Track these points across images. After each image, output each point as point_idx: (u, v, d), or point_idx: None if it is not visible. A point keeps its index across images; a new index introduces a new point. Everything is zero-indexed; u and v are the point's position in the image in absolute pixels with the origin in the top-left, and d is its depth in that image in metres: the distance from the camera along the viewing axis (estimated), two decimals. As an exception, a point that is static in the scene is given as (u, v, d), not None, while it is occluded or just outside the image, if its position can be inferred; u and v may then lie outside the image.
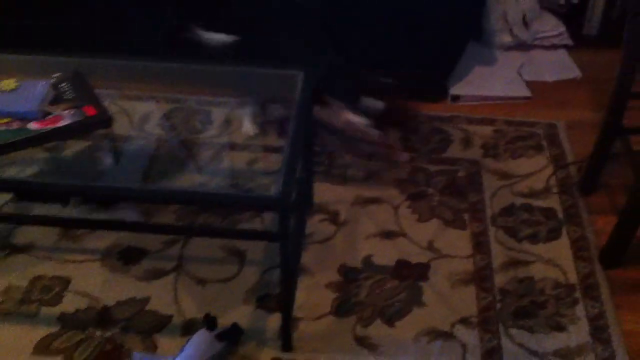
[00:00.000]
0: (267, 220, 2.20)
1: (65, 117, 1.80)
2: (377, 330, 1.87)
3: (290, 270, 1.88)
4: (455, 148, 2.50)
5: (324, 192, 2.29)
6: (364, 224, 2.19)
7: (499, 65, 2.91)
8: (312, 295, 1.97)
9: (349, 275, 2.03)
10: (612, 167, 2.29)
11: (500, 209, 2.24)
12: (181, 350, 1.76)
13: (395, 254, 2.09)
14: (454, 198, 2.28)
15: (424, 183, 2.34)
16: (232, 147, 2.49)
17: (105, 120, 1.83)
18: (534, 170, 2.40)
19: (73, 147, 2.29)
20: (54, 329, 1.86)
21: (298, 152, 1.82)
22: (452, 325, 1.88)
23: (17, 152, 1.74)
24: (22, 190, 1.73)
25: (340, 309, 1.93)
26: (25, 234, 2.13)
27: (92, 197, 1.82)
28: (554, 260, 2.06)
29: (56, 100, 1.86)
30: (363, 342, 1.84)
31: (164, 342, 1.84)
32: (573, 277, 2.01)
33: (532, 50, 2.97)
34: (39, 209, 2.18)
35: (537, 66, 2.90)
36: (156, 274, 2.02)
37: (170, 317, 1.90)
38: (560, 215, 2.21)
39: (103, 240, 2.11)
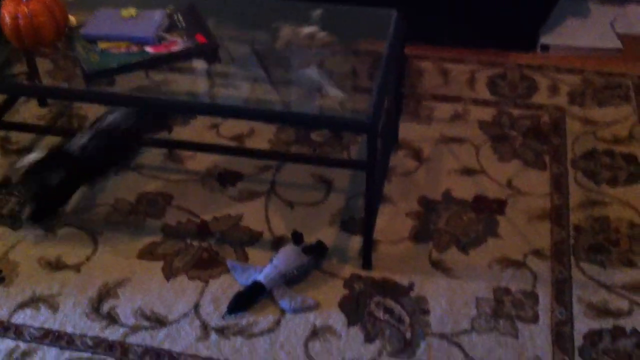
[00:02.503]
0: (353, 153, 2.33)
1: (178, 43, 1.98)
2: (452, 256, 1.98)
3: (374, 196, 2.00)
4: (542, 95, 2.55)
5: (409, 130, 2.40)
6: (445, 161, 2.29)
7: (591, 17, 2.91)
8: (393, 221, 2.09)
9: (428, 206, 2.14)
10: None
11: (582, 153, 2.29)
12: (270, 260, 1.93)
13: (475, 189, 2.19)
14: (536, 141, 2.34)
15: (507, 126, 2.41)
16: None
17: (213, 48, 2.00)
18: (619, 118, 2.42)
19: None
20: (157, 238, 2.07)
21: (389, 83, 1.93)
22: (525, 256, 1.97)
23: (134, 72, 1.94)
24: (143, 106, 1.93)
25: (418, 235, 2.05)
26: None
27: (202, 112, 1.98)
28: (631, 203, 2.10)
29: (171, 28, 2.04)
30: (438, 265, 1.96)
31: (255, 253, 2.01)
32: (649, 219, 2.05)
33: (626, 5, 2.95)
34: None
35: (630, 20, 2.89)
36: (250, 195, 2.20)
37: (261, 233, 2.08)
38: (642, 161, 2.24)
39: (203, 163, 2.31)
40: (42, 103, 2.57)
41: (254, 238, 2.06)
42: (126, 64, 1.92)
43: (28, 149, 2.37)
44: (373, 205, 2.01)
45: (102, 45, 1.99)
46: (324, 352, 1.75)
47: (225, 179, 2.26)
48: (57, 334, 1.81)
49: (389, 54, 1.96)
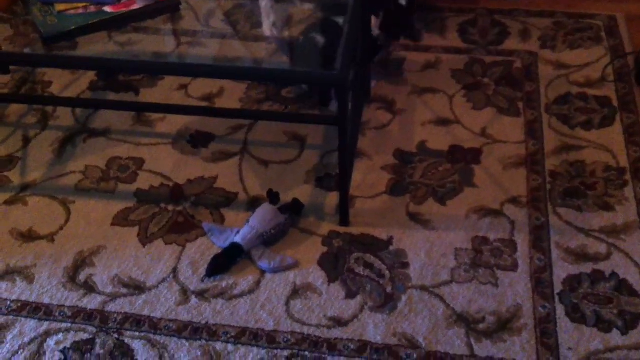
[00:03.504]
0: (326, 112, 2.30)
1: (138, 1, 1.91)
2: (430, 208, 1.98)
3: (348, 151, 1.98)
4: (513, 40, 2.52)
5: (380, 84, 2.37)
6: (419, 112, 2.27)
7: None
8: (369, 176, 2.08)
9: (403, 159, 2.12)
10: (671, 57, 2.28)
11: (555, 98, 2.28)
12: (247, 221, 1.90)
13: (449, 139, 2.17)
14: (509, 88, 2.32)
15: (480, 74, 2.39)
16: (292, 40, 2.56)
17: (175, 4, 1.94)
18: (591, 60, 2.41)
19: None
20: (130, 204, 2.03)
21: (356, 34, 1.89)
22: (502, 204, 1.97)
23: (94, 33, 1.87)
24: (107, 68, 1.87)
25: (395, 189, 2.04)
26: (103, 119, 2.29)
27: (170, 72, 1.93)
28: (606, 146, 2.11)
29: (129, -14, 1.98)
30: (416, 218, 1.95)
31: (231, 215, 1.99)
32: (624, 161, 2.05)
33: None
34: (114, 97, 2.34)
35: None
36: (223, 156, 2.16)
37: (236, 194, 2.05)
38: (615, 103, 2.24)
39: (173, 125, 2.26)
40: (4, 71, 2.48)
41: (229, 199, 2.03)
42: (85, 25, 1.86)
43: (-9, 119, 2.31)
44: (347, 161, 1.98)
45: (59, 7, 1.92)
46: (306, 310, 1.75)
47: (197, 140, 2.21)
48: (34, 305, 1.79)
49: (354, 5, 1.91)
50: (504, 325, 1.70)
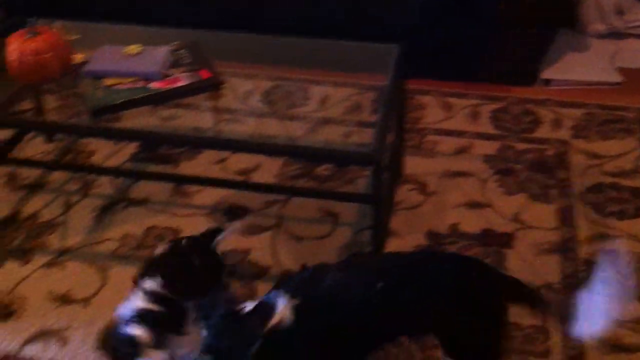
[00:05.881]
0: (360, 187, 2.34)
1: (182, 79, 2.00)
2: (462, 289, 1.98)
3: (381, 229, 2.01)
4: (545, 128, 2.57)
5: (413, 165, 2.41)
6: (451, 194, 2.30)
7: (591, 52, 2.95)
8: (401, 255, 2.09)
9: (435, 240, 2.14)
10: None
11: (588, 187, 2.30)
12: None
13: (481, 223, 2.19)
14: (541, 174, 2.35)
15: (512, 159, 2.43)
16: (328, 121, 2.64)
17: (217, 83, 2.02)
18: (623, 151, 2.44)
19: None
20: (164, 273, 2.06)
21: (391, 117, 1.95)
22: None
23: (138, 107, 1.95)
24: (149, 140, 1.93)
25: (427, 269, 2.04)
26: (142, 189, 2.35)
27: (209, 146, 2.00)
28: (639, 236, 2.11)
29: (175, 64, 2.06)
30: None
31: (263, 287, 2.00)
32: (657, 251, 2.05)
33: (625, 39, 3.00)
34: (154, 169, 2.41)
35: (629, 54, 2.93)
36: (257, 230, 2.20)
37: (269, 267, 2.07)
38: (648, 194, 2.26)
39: (210, 197, 2.31)
40: (49, 139, 2.58)
41: (262, 272, 2.06)
42: (131, 99, 1.94)
43: (36, 186, 2.38)
44: (381, 235, 2.01)
45: (107, 82, 2.00)
46: None
47: (233, 213, 2.26)
48: (65, 369, 1.80)
49: (390, 88, 1.98)
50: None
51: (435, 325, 1.48)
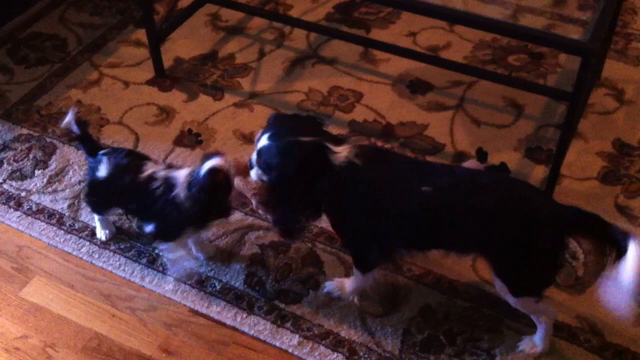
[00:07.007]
0: (550, 83, 2.25)
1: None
2: (640, 204, 1.90)
3: (571, 128, 1.93)
4: None
5: (613, 69, 2.28)
6: (650, 106, 2.17)
7: None
8: (582, 158, 2.02)
9: (622, 150, 2.04)
10: None
11: None
12: (451, 172, 1.93)
13: (677, 141, 2.06)
14: None
15: None
16: (529, 10, 2.51)
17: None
18: None
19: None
20: (343, 131, 2.13)
21: (609, 12, 1.81)
22: None
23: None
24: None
25: (607, 177, 1.97)
26: (332, 49, 2.39)
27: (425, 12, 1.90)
28: None
29: None
30: (624, 211, 1.89)
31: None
32: None
33: None
34: (347, 30, 2.44)
35: None
36: (438, 107, 2.20)
37: (444, 145, 2.08)
38: None
39: (396, 68, 2.32)
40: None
41: (436, 148, 2.07)
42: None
43: (235, 29, 2.48)
44: (568, 134, 1.94)
45: None
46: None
47: (416, 87, 2.26)
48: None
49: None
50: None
51: (486, 245, 1.48)
